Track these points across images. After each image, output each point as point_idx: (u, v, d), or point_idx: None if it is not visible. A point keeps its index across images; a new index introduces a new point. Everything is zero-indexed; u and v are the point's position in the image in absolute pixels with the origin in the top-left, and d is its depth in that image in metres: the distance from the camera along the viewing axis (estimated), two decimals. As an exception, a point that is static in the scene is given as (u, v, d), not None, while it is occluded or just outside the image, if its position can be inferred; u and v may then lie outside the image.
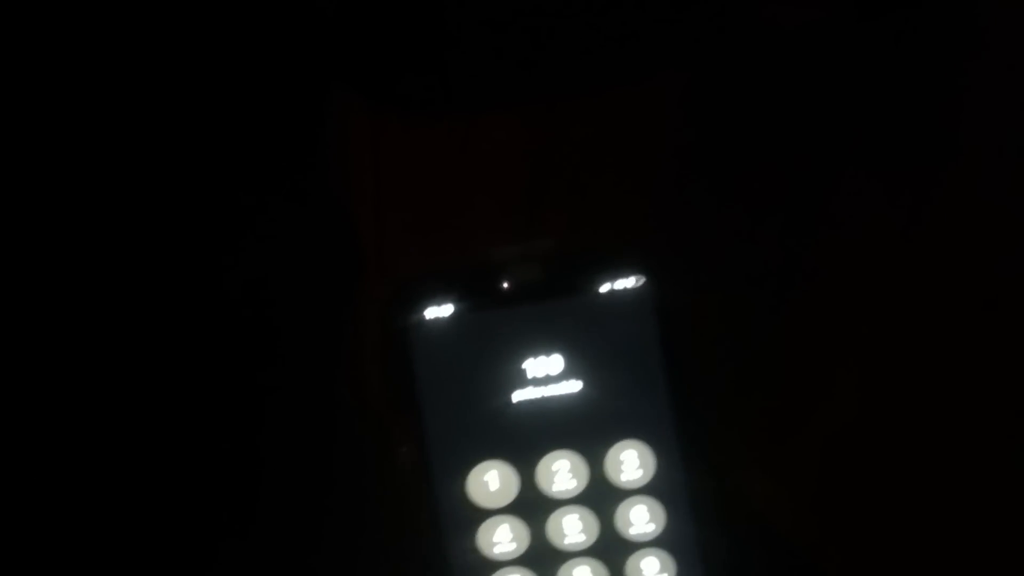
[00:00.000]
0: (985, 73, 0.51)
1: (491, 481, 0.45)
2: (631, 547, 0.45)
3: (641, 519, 0.45)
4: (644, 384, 0.46)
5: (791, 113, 0.53)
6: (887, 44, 0.51)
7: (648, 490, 0.45)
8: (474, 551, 0.45)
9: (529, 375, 0.46)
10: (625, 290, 0.47)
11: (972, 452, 0.49)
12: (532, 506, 0.45)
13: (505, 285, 0.47)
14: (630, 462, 0.45)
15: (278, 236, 0.53)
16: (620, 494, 0.45)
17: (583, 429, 0.46)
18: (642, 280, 0.47)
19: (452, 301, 0.46)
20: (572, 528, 0.45)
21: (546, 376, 0.46)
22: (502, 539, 0.45)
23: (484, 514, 0.45)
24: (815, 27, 0.53)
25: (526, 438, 0.45)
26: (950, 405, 0.49)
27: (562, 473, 0.45)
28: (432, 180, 0.55)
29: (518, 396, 0.46)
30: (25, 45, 0.53)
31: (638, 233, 0.51)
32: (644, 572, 0.45)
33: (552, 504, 0.45)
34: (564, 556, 0.45)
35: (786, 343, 0.50)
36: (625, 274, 0.47)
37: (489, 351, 0.46)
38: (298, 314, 0.51)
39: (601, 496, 0.45)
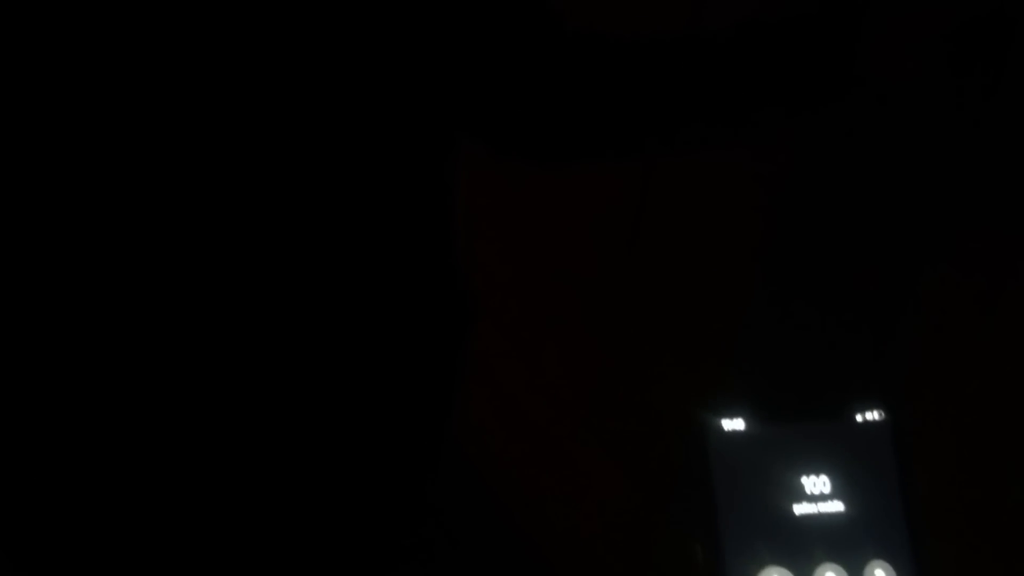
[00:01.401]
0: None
1: (776, 586, 0.48)
2: (886, 657, 0.49)
3: (894, 632, 0.50)
4: (889, 507, 0.51)
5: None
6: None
7: (898, 606, 0.50)
8: (759, 651, 0.47)
9: (807, 490, 0.50)
10: (873, 422, 0.52)
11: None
12: (808, 612, 0.49)
13: (788, 406, 0.51)
14: (883, 580, 0.50)
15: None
16: (876, 608, 0.50)
17: (846, 545, 0.50)
18: (886, 414, 0.53)
19: (744, 416, 0.50)
20: (841, 636, 0.49)
21: (820, 493, 0.50)
22: (784, 641, 0.48)
23: (770, 616, 0.48)
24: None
25: (804, 548, 0.49)
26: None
27: (831, 584, 0.49)
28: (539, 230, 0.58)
29: (798, 509, 0.50)
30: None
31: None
32: None
33: (824, 612, 0.49)
34: (833, 661, 0.49)
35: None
36: (876, 408, 0.53)
37: (774, 465, 0.50)
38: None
39: (862, 608, 0.49)
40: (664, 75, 0.63)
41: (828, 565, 0.49)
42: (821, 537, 0.50)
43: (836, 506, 0.50)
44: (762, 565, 0.48)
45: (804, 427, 0.51)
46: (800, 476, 0.50)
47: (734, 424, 0.50)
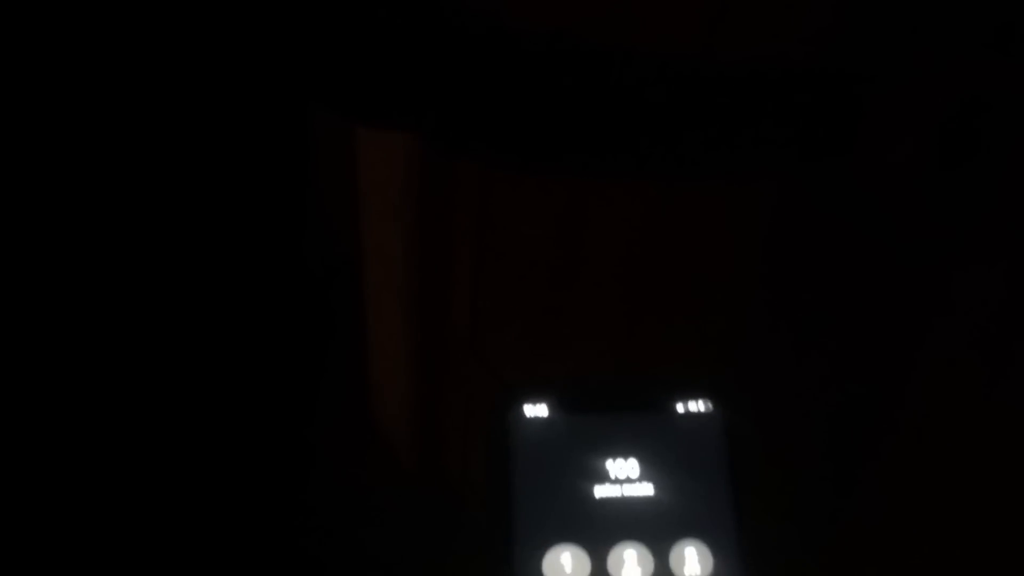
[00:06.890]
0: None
1: (566, 563, 0.51)
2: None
3: (697, 610, 0.51)
4: (708, 492, 0.53)
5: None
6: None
7: (705, 585, 0.51)
8: (545, 625, 0.50)
9: (610, 474, 0.52)
10: (697, 413, 0.54)
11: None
12: (601, 590, 0.51)
13: (595, 396, 0.54)
14: (691, 559, 0.51)
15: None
16: (681, 586, 0.51)
17: (652, 526, 0.52)
18: (712, 406, 0.54)
19: (549, 403, 0.53)
20: (636, 612, 0.51)
21: (625, 477, 0.52)
22: (572, 616, 0.50)
23: (558, 592, 0.51)
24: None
25: (602, 528, 0.52)
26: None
27: (630, 563, 0.51)
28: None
29: (599, 491, 0.52)
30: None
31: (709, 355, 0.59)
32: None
33: (620, 589, 0.51)
34: (626, 637, 0.51)
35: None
36: (699, 400, 0.54)
37: (577, 450, 0.53)
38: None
39: (664, 587, 0.51)
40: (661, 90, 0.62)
41: (630, 543, 0.52)
42: (623, 517, 0.52)
43: (645, 489, 0.53)
44: (551, 544, 0.51)
45: (613, 415, 0.54)
46: (605, 460, 0.53)
47: (536, 411, 0.53)
